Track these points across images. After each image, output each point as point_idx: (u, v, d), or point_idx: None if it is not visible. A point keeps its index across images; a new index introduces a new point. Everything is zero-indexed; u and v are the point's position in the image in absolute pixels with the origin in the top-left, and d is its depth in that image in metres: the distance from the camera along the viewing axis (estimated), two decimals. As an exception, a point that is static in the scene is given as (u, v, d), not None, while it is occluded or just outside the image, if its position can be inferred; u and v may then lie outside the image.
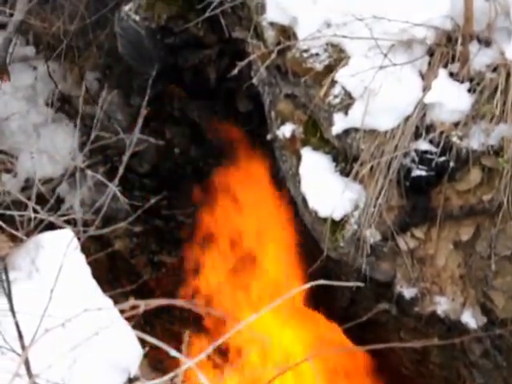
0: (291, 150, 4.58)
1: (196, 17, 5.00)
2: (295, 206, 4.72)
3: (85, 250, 3.64)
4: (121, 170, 3.89)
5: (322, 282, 2.79)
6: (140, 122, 4.07)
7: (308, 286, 2.86)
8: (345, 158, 4.29)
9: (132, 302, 2.13)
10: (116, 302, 3.31)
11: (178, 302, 2.23)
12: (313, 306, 5.01)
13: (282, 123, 4.63)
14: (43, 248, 3.52)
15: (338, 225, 4.25)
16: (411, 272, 4.16)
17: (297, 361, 2.85)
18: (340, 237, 4.24)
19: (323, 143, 4.40)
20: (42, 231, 3.71)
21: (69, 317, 2.48)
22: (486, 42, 3.78)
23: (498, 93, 3.68)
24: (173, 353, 2.22)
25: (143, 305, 2.07)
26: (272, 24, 4.49)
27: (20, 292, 3.28)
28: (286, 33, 4.41)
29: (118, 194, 3.94)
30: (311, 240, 4.59)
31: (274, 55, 4.39)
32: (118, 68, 6.20)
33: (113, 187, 3.85)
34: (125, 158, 3.94)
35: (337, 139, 4.25)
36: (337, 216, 4.23)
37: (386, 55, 3.94)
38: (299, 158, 4.47)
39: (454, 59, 3.84)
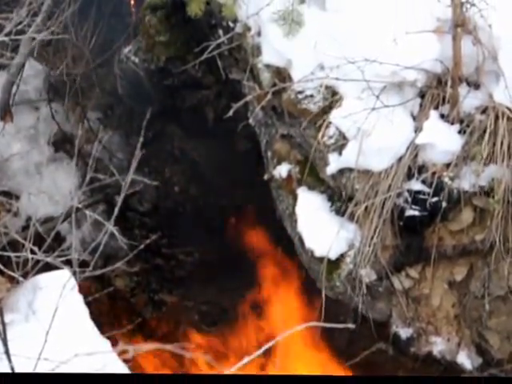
0: (288, 190, 4.64)
1: (194, 59, 5.07)
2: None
3: (85, 289, 3.66)
4: (116, 210, 3.93)
5: (313, 323, 2.82)
6: (135, 162, 4.13)
7: (302, 327, 2.89)
8: (340, 198, 4.34)
9: (121, 347, 2.15)
10: (117, 342, 3.34)
11: (168, 347, 2.26)
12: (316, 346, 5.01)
13: (279, 163, 4.69)
14: (40, 289, 3.54)
15: (333, 264, 4.29)
16: (406, 312, 4.18)
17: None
18: (336, 276, 4.28)
19: (318, 183, 4.45)
20: (41, 271, 3.74)
21: (61, 361, 2.50)
22: (475, 85, 3.85)
23: (487, 134, 3.73)
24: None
25: (132, 350, 2.10)
26: (267, 66, 4.57)
27: (16, 335, 3.30)
28: (281, 75, 4.49)
29: (116, 232, 3.98)
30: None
31: (269, 96, 4.46)
32: (118, 108, 6.28)
33: (109, 226, 3.89)
34: (120, 198, 3.99)
35: (332, 179, 4.30)
36: (332, 255, 4.27)
37: (378, 97, 4.00)
38: (295, 198, 4.52)
39: (444, 101, 3.91)
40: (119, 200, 4.09)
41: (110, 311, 6.09)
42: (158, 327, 6.06)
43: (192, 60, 5.14)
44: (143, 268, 6.21)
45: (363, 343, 4.47)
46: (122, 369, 3.20)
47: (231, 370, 2.38)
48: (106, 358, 3.04)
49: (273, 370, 4.71)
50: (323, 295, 4.26)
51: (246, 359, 2.92)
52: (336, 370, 4.52)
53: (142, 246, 4.49)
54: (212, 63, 5.16)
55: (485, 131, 3.76)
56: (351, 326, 3.00)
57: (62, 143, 6.45)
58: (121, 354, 3.21)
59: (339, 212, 4.34)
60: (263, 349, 2.77)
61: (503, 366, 4.04)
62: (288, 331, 3.04)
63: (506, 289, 3.91)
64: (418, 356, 4.24)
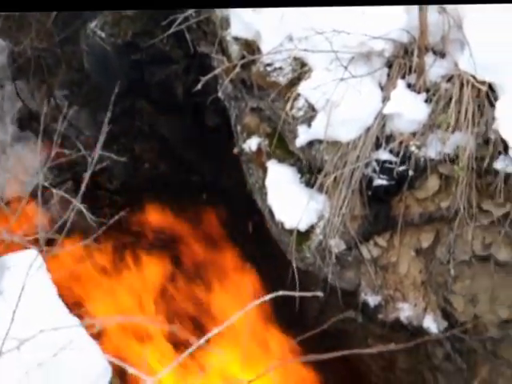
0: (257, 163, 4.64)
1: (162, 32, 5.04)
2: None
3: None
4: (83, 187, 3.90)
5: (281, 293, 2.85)
6: (102, 138, 4.09)
7: (269, 297, 2.91)
8: (309, 170, 4.36)
9: (87, 321, 2.15)
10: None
11: (135, 319, 2.26)
12: (282, 318, 5.04)
13: (248, 136, 4.69)
14: (8, 269, 3.51)
15: (303, 235, 4.31)
16: (375, 280, 4.23)
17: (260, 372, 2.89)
18: (306, 247, 4.30)
19: (288, 155, 4.46)
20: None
21: (26, 338, 2.48)
22: (441, 54, 3.88)
23: (453, 102, 3.77)
24: (132, 371, 2.26)
25: (99, 324, 2.09)
26: (236, 39, 4.56)
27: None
28: (250, 47, 4.48)
29: (83, 209, 3.96)
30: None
31: (237, 69, 4.46)
32: (85, 84, 6.24)
33: (76, 203, 3.86)
34: (87, 175, 3.95)
35: (301, 151, 4.31)
36: (302, 227, 4.29)
37: (346, 68, 4.02)
38: (265, 171, 4.53)
39: (411, 71, 3.93)
40: (86, 176, 4.05)
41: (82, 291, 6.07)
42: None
43: (160, 34, 5.11)
44: (114, 246, 6.20)
45: (334, 312, 4.51)
46: (89, 344, 3.20)
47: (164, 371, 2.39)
48: (72, 334, 3.04)
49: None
50: (294, 266, 4.29)
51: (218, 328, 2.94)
52: (307, 340, 4.55)
53: (110, 223, 4.46)
54: (180, 37, 5.14)
55: (450, 99, 3.79)
56: (319, 293, 3.03)
57: (27, 122, 6.39)
58: (87, 328, 3.20)
59: (309, 184, 4.36)
60: (226, 323, 2.80)
61: (467, 329, 4.11)
62: (255, 301, 3.07)
63: (470, 253, 3.97)
64: (385, 322, 4.29)
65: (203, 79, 4.36)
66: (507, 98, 3.60)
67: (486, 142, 3.74)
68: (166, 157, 6.37)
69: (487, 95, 3.73)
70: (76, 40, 5.83)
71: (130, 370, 2.10)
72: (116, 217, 4.22)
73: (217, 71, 4.55)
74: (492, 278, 3.97)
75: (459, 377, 4.23)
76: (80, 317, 3.37)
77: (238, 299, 5.24)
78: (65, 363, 3.07)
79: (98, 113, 6.12)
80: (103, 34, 5.41)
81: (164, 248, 6.12)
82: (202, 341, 2.69)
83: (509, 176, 3.69)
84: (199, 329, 5.12)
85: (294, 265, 4.28)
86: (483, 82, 3.69)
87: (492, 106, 3.69)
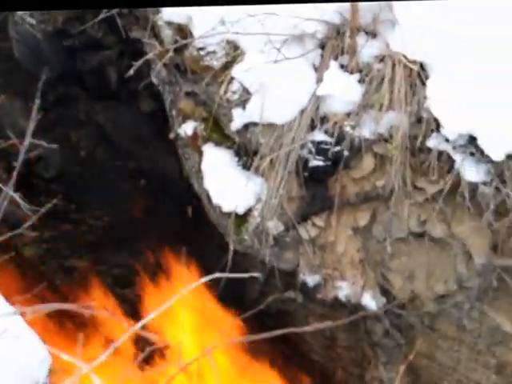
0: (193, 147, 4.63)
1: (93, 18, 4.98)
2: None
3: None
4: (14, 174, 3.83)
5: (217, 275, 2.86)
6: (31, 126, 4.02)
7: (205, 280, 2.92)
8: (246, 153, 4.36)
9: (19, 308, 2.11)
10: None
11: (69, 306, 2.23)
12: (225, 301, 5.06)
13: (184, 121, 4.67)
14: None
15: (241, 218, 4.32)
16: (313, 259, 4.28)
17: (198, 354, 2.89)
18: (244, 230, 4.32)
19: (224, 139, 4.46)
20: None
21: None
22: (373, 34, 3.92)
23: (385, 82, 3.82)
24: (65, 358, 2.24)
25: (30, 311, 2.05)
26: (168, 23, 4.53)
27: None
28: (183, 31, 4.46)
29: (17, 197, 3.89)
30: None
31: (170, 54, 4.44)
32: (17, 73, 6.12)
33: (9, 191, 3.79)
34: (18, 164, 3.89)
35: (237, 134, 4.31)
36: (240, 210, 4.30)
37: (279, 50, 4.03)
38: (201, 155, 4.52)
39: (343, 51, 3.97)
40: (17, 164, 3.97)
41: (20, 281, 5.99)
42: (70, 293, 6.00)
43: (91, 19, 5.04)
44: (52, 235, 6.13)
45: (274, 293, 4.54)
46: (26, 332, 3.16)
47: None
48: (8, 322, 2.99)
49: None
50: (231, 249, 4.30)
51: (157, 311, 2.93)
52: (249, 322, 4.58)
53: (42, 211, 4.39)
54: (112, 22, 5.08)
55: (383, 79, 3.84)
56: (256, 275, 3.04)
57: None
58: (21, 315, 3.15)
59: (246, 167, 4.37)
60: (163, 307, 2.79)
61: (404, 305, 4.19)
62: (192, 284, 3.07)
63: (406, 231, 4.04)
64: (325, 301, 4.34)
65: (135, 65, 4.33)
66: (437, 76, 3.66)
67: (419, 120, 3.80)
68: (102, 144, 6.29)
69: (419, 75, 3.78)
70: (4, 28, 5.70)
71: (65, 357, 2.08)
72: (49, 204, 4.16)
73: (148, 56, 4.52)
74: (428, 255, 4.04)
75: (398, 351, 4.31)
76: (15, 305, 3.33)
77: (174, 285, 5.25)
78: (2, 352, 3.04)
79: (31, 101, 6.01)
80: (33, 21, 5.30)
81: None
82: (140, 325, 2.68)
83: (441, 154, 3.75)
84: (137, 314, 5.12)
85: (232, 247, 4.28)
86: (414, 62, 3.74)
87: (424, 85, 3.74)
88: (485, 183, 3.63)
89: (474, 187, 3.67)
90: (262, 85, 4.14)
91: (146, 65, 4.67)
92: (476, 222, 3.80)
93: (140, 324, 2.91)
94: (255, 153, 4.28)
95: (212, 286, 4.69)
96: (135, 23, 5.00)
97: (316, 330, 4.04)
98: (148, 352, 3.06)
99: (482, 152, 3.58)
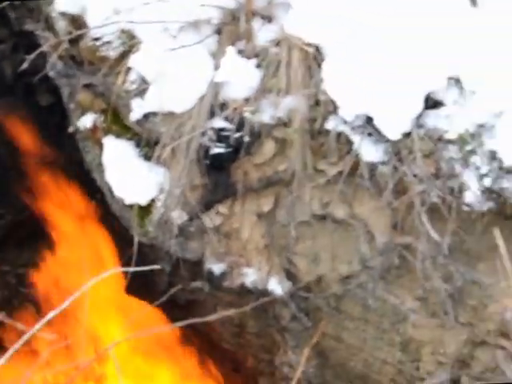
0: (93, 140, 4.56)
1: (-17, 11, 4.84)
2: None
3: None
4: None
5: (116, 269, 2.82)
6: None
7: (108, 273, 2.87)
8: (147, 143, 4.32)
9: None
10: None
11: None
12: (134, 293, 5.00)
13: (83, 114, 4.60)
14: None
15: (145, 210, 4.28)
16: (218, 248, 4.26)
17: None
18: (148, 221, 4.27)
19: (125, 130, 4.40)
20: None
21: None
22: (268, 18, 3.92)
23: (282, 66, 3.82)
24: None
25: None
26: (62, 14, 4.44)
27: None
28: (77, 22, 4.37)
29: None
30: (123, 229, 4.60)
31: (65, 45, 4.36)
32: None
33: None
34: None
35: (137, 125, 4.26)
36: (143, 201, 4.26)
37: (175, 37, 4.00)
38: (102, 148, 4.45)
39: (240, 37, 3.95)
40: None
41: None
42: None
43: (-19, 13, 4.90)
44: None
45: (183, 284, 4.52)
46: None
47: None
48: None
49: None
50: (136, 242, 4.25)
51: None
52: (155, 312, 4.55)
53: None
54: (5, 15, 4.96)
55: (280, 63, 3.84)
56: (157, 267, 3.02)
57: None
58: None
59: (148, 157, 4.32)
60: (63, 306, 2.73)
61: (310, 288, 4.22)
62: (94, 278, 3.02)
63: (309, 214, 4.06)
64: (232, 289, 4.33)
65: (29, 58, 4.22)
66: (332, 59, 3.68)
67: (317, 103, 3.81)
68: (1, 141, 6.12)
69: (315, 57, 3.79)
70: None
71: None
72: None
73: (42, 49, 4.42)
74: (331, 237, 4.07)
75: (306, 335, 4.33)
76: None
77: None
78: None
79: None
80: None
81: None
82: (40, 324, 2.62)
83: (340, 135, 3.78)
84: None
85: (137, 240, 4.23)
86: (310, 45, 3.75)
87: (320, 67, 3.76)
88: (383, 163, 3.67)
89: (372, 167, 3.71)
90: (159, 74, 4.10)
91: (42, 58, 4.56)
92: (376, 202, 3.84)
93: (41, 322, 2.84)
94: (156, 143, 4.23)
95: (122, 278, 4.64)
96: (28, 15, 4.88)
97: (219, 318, 4.04)
98: (47, 353, 3.00)
99: (379, 132, 3.61)
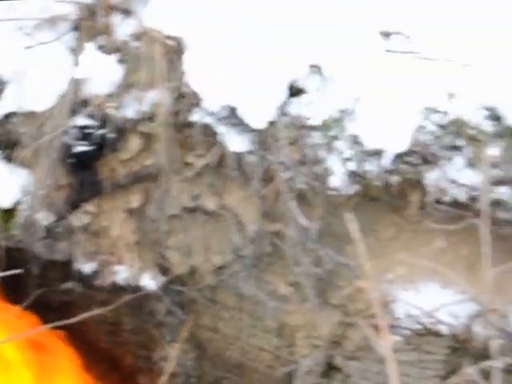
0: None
1: None
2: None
3: None
4: None
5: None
6: None
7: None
8: (8, 145, 4.19)
9: None
10: None
11: None
12: (6, 297, 4.85)
13: None
14: None
15: (9, 213, 4.16)
16: (88, 247, 4.20)
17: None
18: (13, 225, 4.16)
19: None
20: None
21: None
22: (127, 12, 3.88)
23: (144, 60, 3.80)
24: None
25: None
26: None
27: None
28: None
29: None
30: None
31: None
32: None
33: None
34: None
35: (-1, 126, 4.14)
36: (6, 204, 4.14)
37: (31, 35, 3.91)
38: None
39: (99, 32, 3.89)
40: None
41: None
42: None
43: None
44: None
45: (54, 286, 4.42)
46: None
47: None
48: None
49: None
50: (1, 246, 4.12)
51: None
52: (28, 315, 4.43)
53: None
54: None
55: (141, 57, 3.81)
56: (18, 271, 2.95)
57: None
58: None
59: (9, 159, 4.20)
60: None
61: (184, 281, 4.23)
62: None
63: (179, 207, 4.05)
64: (104, 287, 4.28)
65: None
66: (194, 52, 3.69)
67: (181, 96, 3.81)
68: None
69: (176, 50, 3.78)
70: None
71: None
72: None
73: None
74: (203, 228, 4.08)
75: (182, 329, 4.33)
76: None
77: None
78: None
79: None
80: None
81: None
82: None
83: (206, 127, 3.78)
84: None
85: (3, 244, 4.11)
86: (170, 38, 3.74)
87: (181, 60, 3.76)
88: (250, 152, 3.70)
89: (239, 157, 3.74)
90: (17, 73, 4.00)
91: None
92: (245, 191, 3.87)
93: None
94: (17, 144, 4.12)
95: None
96: None
97: (94, 318, 3.98)
98: None
99: (243, 122, 3.65)
